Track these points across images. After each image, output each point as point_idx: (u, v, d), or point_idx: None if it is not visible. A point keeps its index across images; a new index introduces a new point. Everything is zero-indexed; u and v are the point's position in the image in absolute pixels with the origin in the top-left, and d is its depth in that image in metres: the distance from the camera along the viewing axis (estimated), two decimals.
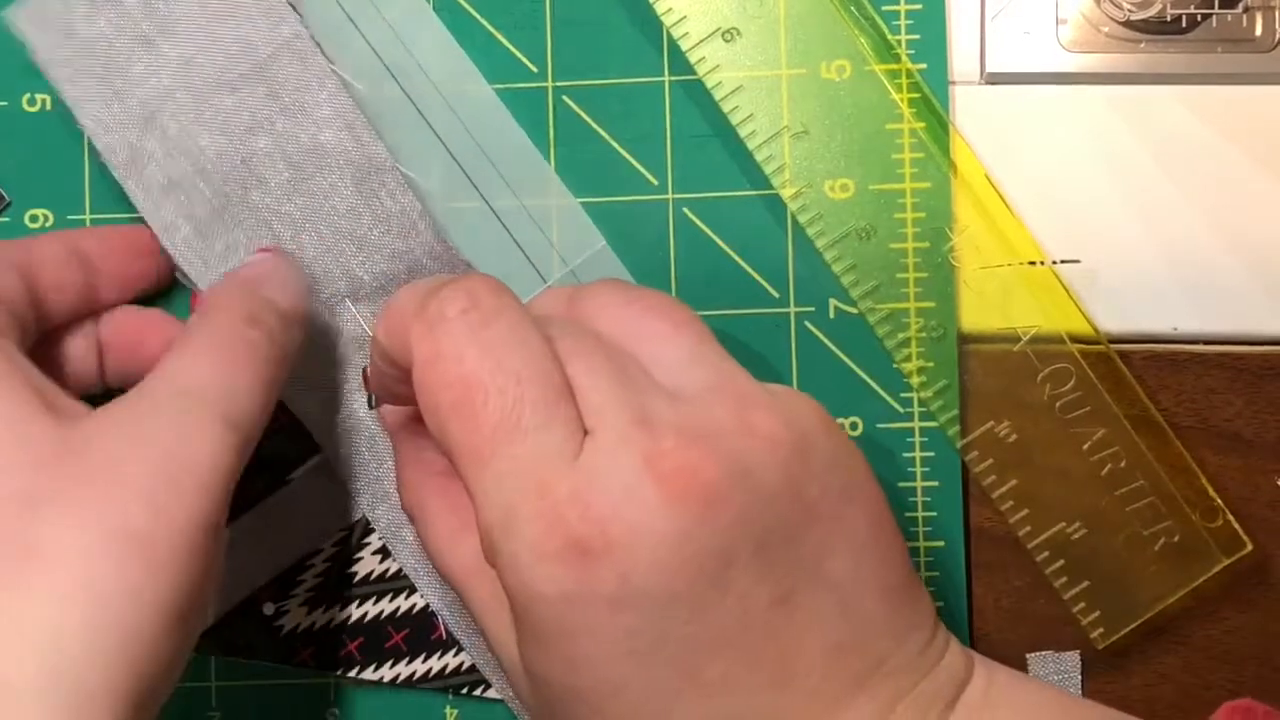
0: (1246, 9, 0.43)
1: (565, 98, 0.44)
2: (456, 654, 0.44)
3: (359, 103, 0.42)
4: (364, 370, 0.42)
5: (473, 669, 0.44)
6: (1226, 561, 0.42)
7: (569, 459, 0.33)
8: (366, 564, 0.44)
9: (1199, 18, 0.43)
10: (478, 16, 0.44)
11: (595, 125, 0.44)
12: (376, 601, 0.44)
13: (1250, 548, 0.42)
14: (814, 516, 0.34)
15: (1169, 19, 0.43)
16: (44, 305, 0.40)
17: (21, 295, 0.39)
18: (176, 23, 0.41)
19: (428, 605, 0.44)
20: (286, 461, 0.44)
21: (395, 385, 0.37)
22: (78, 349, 0.42)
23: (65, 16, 0.42)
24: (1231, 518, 0.42)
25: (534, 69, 0.44)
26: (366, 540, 0.44)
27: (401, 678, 0.44)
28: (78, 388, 0.41)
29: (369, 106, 0.42)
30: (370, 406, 0.41)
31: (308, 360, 0.42)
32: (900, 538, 0.36)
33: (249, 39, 0.41)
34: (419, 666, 0.44)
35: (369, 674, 0.44)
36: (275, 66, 0.41)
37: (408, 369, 0.36)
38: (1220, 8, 0.43)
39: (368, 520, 0.44)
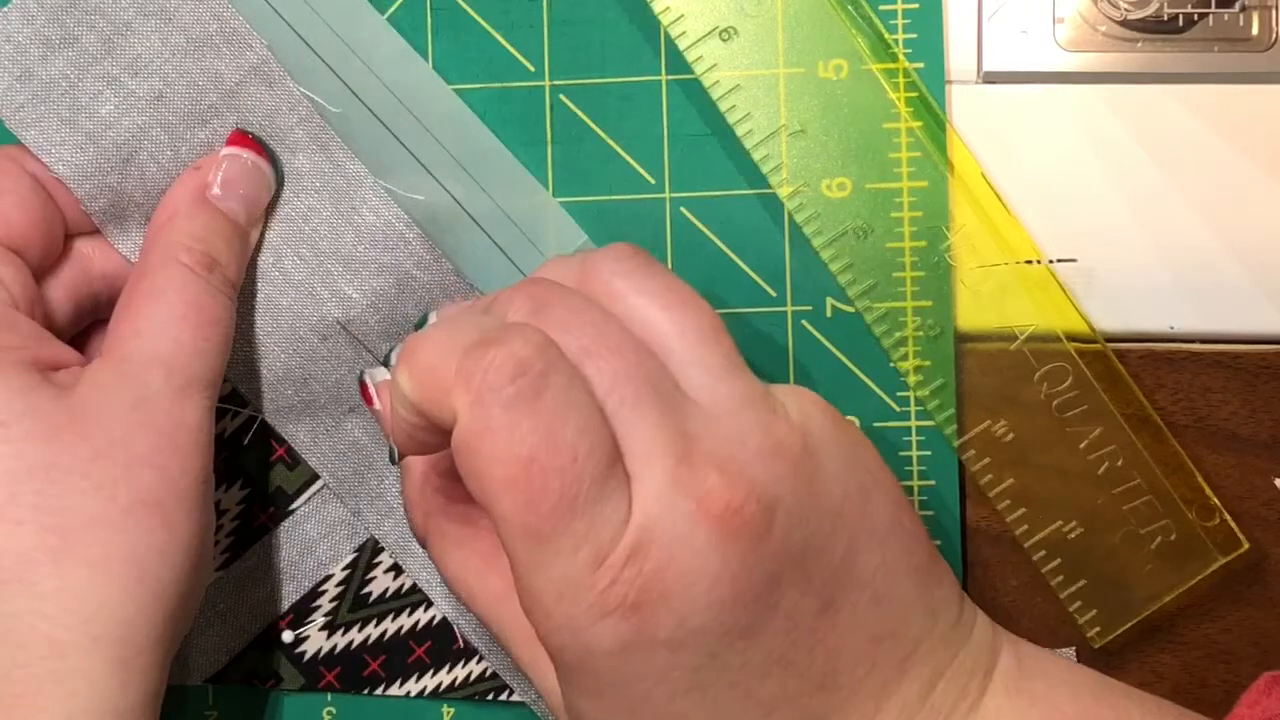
0: (1243, 8, 0.43)
1: (562, 96, 0.44)
2: (479, 660, 0.44)
3: (330, 123, 0.42)
4: (360, 377, 0.42)
5: (496, 674, 0.44)
6: (1223, 560, 0.42)
7: (623, 523, 0.33)
8: (380, 582, 0.44)
9: (1196, 17, 0.43)
10: (475, 16, 0.44)
11: (592, 124, 0.44)
12: (395, 618, 0.44)
13: (1247, 546, 0.42)
14: (839, 520, 0.35)
15: (1166, 18, 0.43)
16: (24, 251, 0.39)
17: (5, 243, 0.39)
18: (139, 58, 0.40)
19: (445, 615, 0.44)
20: (288, 492, 0.44)
21: (421, 434, 0.36)
22: (69, 295, 0.41)
23: (19, 59, 0.40)
24: (1228, 516, 0.42)
25: (531, 68, 0.44)
26: (378, 559, 0.44)
27: (429, 690, 0.44)
28: (72, 327, 0.41)
29: (335, 126, 0.42)
30: (393, 461, 0.40)
31: (297, 387, 0.42)
32: (919, 519, 0.37)
33: (215, 69, 0.41)
34: (444, 677, 0.44)
35: (395, 690, 0.44)
36: (243, 94, 0.41)
37: (441, 425, 0.35)
38: (1217, 7, 0.43)
39: (376, 539, 0.44)
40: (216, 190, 0.40)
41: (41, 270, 0.40)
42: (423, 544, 0.40)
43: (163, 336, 0.38)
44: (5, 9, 0.40)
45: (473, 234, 0.44)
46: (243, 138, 0.41)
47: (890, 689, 0.35)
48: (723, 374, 0.35)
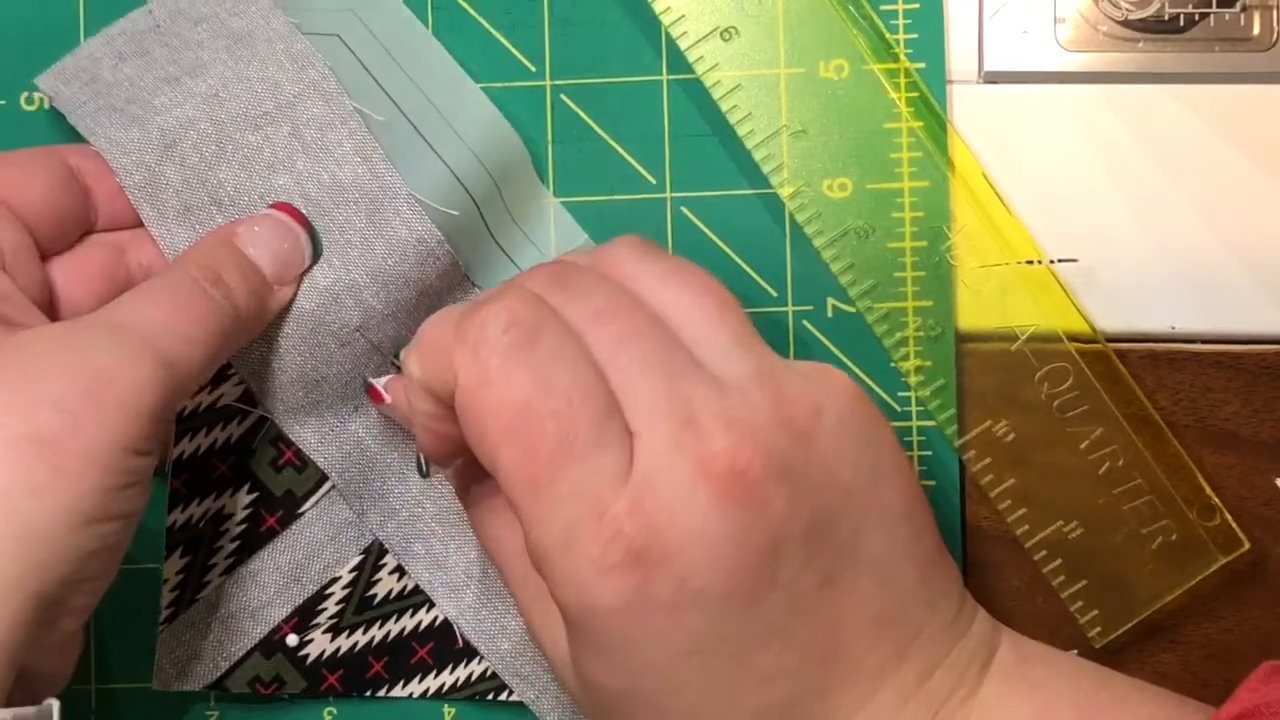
0: (1244, 8, 0.43)
1: (563, 96, 0.44)
2: (480, 661, 0.44)
3: (374, 133, 0.42)
4: (366, 382, 0.42)
5: (497, 674, 0.44)
6: (1224, 560, 0.42)
7: (623, 475, 0.33)
8: (385, 584, 0.44)
9: (1196, 17, 0.43)
10: (476, 15, 0.44)
11: (593, 124, 0.44)
12: (398, 619, 0.44)
13: (1247, 546, 0.42)
14: (849, 498, 0.35)
15: (1167, 18, 0.43)
16: (35, 226, 0.39)
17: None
18: (202, 63, 0.41)
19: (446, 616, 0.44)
20: (296, 495, 0.43)
21: (438, 424, 0.37)
22: (93, 277, 0.41)
23: (91, 69, 0.42)
24: (1229, 516, 0.42)
25: (532, 68, 0.44)
26: (384, 561, 0.44)
27: (431, 691, 0.44)
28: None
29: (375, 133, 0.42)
30: (422, 474, 0.40)
31: (308, 389, 0.42)
32: (929, 509, 0.37)
33: (275, 80, 0.41)
34: (446, 678, 0.44)
35: (398, 691, 0.44)
36: (300, 106, 0.41)
37: (448, 400, 0.35)
38: (1218, 7, 0.43)
39: (380, 541, 0.44)
40: (244, 235, 0.40)
41: (49, 250, 0.40)
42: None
43: (132, 308, 0.37)
44: (93, 37, 0.42)
45: (475, 229, 0.44)
46: (285, 207, 0.41)
47: (888, 672, 0.35)
48: (730, 350, 0.36)
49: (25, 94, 0.44)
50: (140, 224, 0.41)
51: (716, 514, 0.33)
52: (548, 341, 0.34)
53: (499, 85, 0.44)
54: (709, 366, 0.35)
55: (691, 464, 0.33)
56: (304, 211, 0.41)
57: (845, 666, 0.35)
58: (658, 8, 0.43)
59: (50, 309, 0.40)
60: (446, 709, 0.45)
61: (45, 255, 0.40)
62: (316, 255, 0.41)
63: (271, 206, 0.41)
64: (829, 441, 0.35)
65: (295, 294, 0.41)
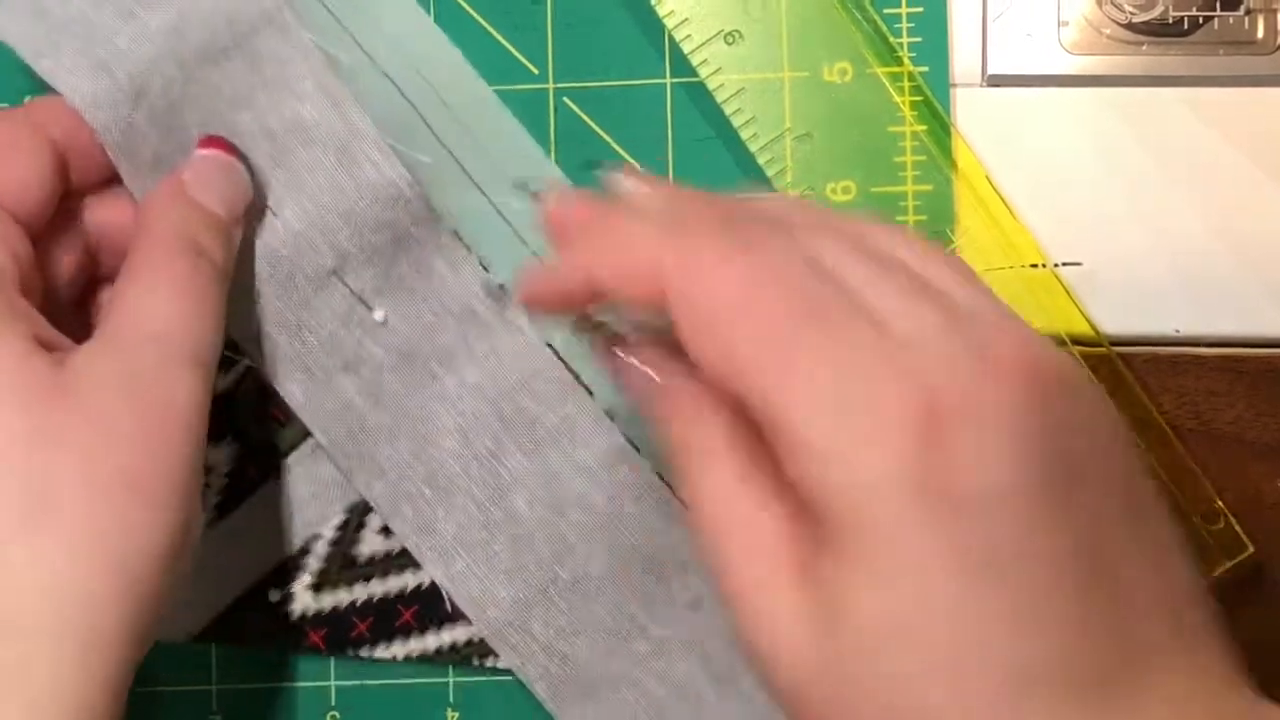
0: (1248, 11, 0.43)
1: (566, 99, 0.44)
2: (466, 626, 0.44)
3: (341, 75, 0.41)
4: (613, 359, 0.37)
5: (483, 641, 0.44)
6: (1228, 564, 0.42)
7: (893, 345, 0.30)
8: (370, 544, 0.44)
9: (1200, 20, 0.43)
10: (478, 17, 0.44)
11: (596, 127, 0.44)
12: (384, 580, 0.44)
13: (1251, 550, 0.42)
14: (1110, 457, 0.31)
15: (1170, 21, 0.43)
16: (30, 223, 0.39)
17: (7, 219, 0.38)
18: None
19: (434, 580, 0.44)
20: (279, 449, 0.43)
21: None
22: (66, 252, 0.41)
23: (35, 2, 0.40)
24: (1233, 520, 0.42)
25: (535, 70, 0.44)
26: (368, 520, 0.44)
27: (415, 654, 0.44)
28: (71, 291, 0.41)
29: (346, 80, 0.42)
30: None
31: (291, 341, 0.42)
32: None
33: (230, 11, 0.40)
34: (430, 641, 0.44)
35: (380, 652, 0.44)
36: (257, 39, 0.41)
37: (651, 300, 0.32)
38: (1222, 10, 0.43)
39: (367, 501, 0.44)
40: (192, 185, 0.40)
41: (37, 239, 0.40)
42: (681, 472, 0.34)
43: (154, 315, 0.37)
44: None
45: (472, 196, 0.43)
46: (212, 140, 0.40)
47: (1199, 671, 0.30)
48: (973, 296, 0.32)
49: (28, 96, 0.44)
50: (101, 181, 0.41)
51: (1008, 403, 0.29)
52: (777, 241, 0.31)
53: (501, 88, 0.44)
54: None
55: (974, 352, 0.30)
56: (269, 152, 0.41)
57: (1154, 641, 0.29)
58: (661, 11, 0.43)
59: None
60: (449, 712, 0.45)
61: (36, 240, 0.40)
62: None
63: (200, 145, 0.40)
64: (1084, 410, 0.31)
65: (258, 231, 0.41)
